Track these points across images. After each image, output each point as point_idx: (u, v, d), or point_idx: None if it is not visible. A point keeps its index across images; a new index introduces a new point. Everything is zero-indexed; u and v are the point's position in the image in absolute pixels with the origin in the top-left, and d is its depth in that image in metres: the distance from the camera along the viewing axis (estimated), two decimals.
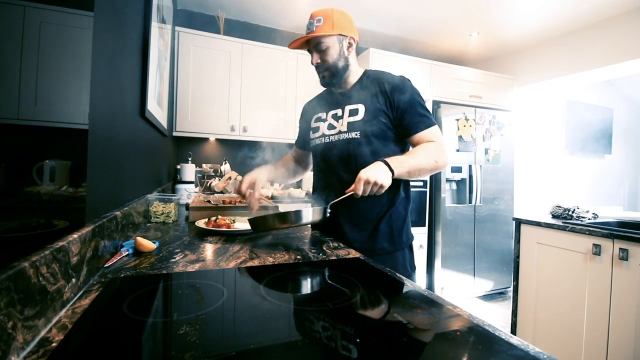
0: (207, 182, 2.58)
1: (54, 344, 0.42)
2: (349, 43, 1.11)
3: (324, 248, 1.00)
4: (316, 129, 1.20)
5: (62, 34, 0.57)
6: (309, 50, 1.13)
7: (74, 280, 0.55)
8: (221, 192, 2.41)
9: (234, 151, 3.01)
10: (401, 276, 0.75)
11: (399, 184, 1.13)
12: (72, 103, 0.62)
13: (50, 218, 0.54)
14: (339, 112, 1.15)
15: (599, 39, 2.83)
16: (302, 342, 0.46)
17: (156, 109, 1.56)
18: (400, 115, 1.08)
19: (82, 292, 0.59)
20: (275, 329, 0.50)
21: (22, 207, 0.47)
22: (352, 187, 0.95)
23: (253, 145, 3.05)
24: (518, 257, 2.00)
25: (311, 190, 1.33)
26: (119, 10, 0.93)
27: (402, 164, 0.99)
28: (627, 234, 1.47)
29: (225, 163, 2.79)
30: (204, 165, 2.70)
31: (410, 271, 1.15)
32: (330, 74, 1.12)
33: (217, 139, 2.94)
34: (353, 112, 1.11)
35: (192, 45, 2.55)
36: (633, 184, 4.55)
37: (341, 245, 1.04)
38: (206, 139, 2.92)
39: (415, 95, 1.09)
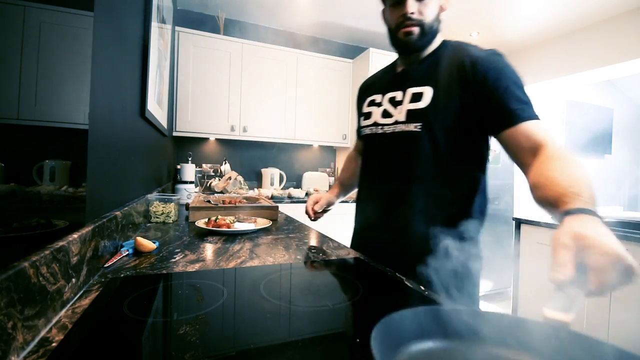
0: (207, 182, 2.58)
1: (54, 344, 0.42)
2: (442, 6, 0.86)
3: (324, 248, 1.00)
4: (368, 115, 0.94)
5: (62, 34, 0.57)
6: None
7: (74, 280, 0.55)
8: (221, 192, 2.41)
9: (234, 151, 3.01)
10: (401, 276, 0.75)
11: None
12: (72, 103, 0.62)
13: (50, 218, 0.54)
14: (398, 95, 0.88)
15: (599, 39, 2.83)
16: (302, 342, 0.46)
17: (156, 109, 1.56)
18: (486, 99, 0.76)
19: (82, 292, 0.59)
20: (275, 329, 0.50)
21: (22, 207, 0.47)
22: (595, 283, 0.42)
23: (253, 145, 3.05)
24: (518, 257, 2.00)
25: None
26: (119, 10, 0.93)
27: (592, 198, 0.55)
28: (627, 234, 1.46)
29: (225, 163, 2.79)
30: (204, 165, 2.70)
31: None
32: (421, 33, 0.83)
33: (217, 139, 2.94)
34: (416, 97, 0.83)
35: (192, 45, 2.55)
36: (633, 184, 4.55)
37: (341, 245, 1.04)
38: (206, 139, 2.92)
39: (511, 74, 0.77)
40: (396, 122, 0.86)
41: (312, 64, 2.92)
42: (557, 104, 3.89)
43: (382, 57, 2.84)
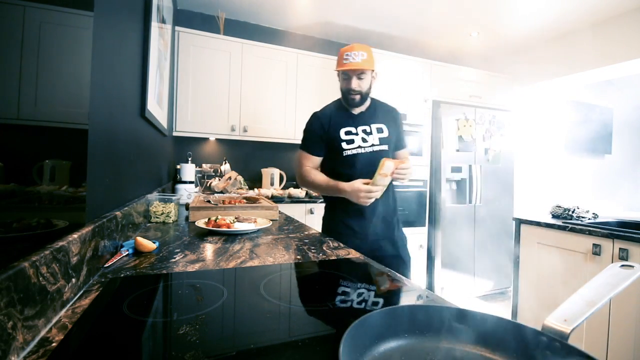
0: (207, 182, 2.58)
1: (54, 344, 0.42)
2: (373, 77, 1.40)
3: (324, 248, 1.00)
4: (350, 141, 1.38)
5: (62, 34, 0.57)
6: (344, 74, 1.36)
7: (74, 280, 0.55)
8: (221, 192, 2.41)
9: (234, 151, 3.01)
10: (401, 276, 0.75)
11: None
12: (72, 103, 0.62)
13: (50, 218, 0.54)
14: (367, 128, 1.40)
15: (599, 39, 2.83)
16: (302, 342, 0.46)
17: (156, 109, 1.56)
18: (397, 134, 1.45)
19: (82, 292, 0.59)
20: (275, 329, 0.50)
21: (22, 207, 0.47)
22: (408, 163, 1.28)
23: (253, 145, 3.05)
24: (518, 257, 2.00)
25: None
26: (119, 10, 0.93)
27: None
28: (627, 234, 1.47)
29: (225, 163, 2.79)
30: (204, 165, 2.70)
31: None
32: (361, 98, 1.37)
33: (217, 139, 2.94)
34: (380, 130, 1.40)
35: (192, 45, 2.55)
36: (633, 184, 4.55)
37: (341, 245, 1.04)
38: (206, 139, 2.92)
39: (402, 123, 1.52)
40: (372, 145, 1.38)
41: (312, 64, 2.92)
42: (557, 104, 3.89)
43: (382, 57, 2.84)
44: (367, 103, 1.44)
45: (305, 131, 1.45)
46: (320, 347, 0.45)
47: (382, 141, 1.38)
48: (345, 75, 1.36)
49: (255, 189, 2.74)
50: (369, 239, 1.35)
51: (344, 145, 1.37)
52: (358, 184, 1.27)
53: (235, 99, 2.68)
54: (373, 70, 1.38)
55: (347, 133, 1.38)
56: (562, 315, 0.41)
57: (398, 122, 1.46)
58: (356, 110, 1.42)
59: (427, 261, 3.03)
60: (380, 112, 1.44)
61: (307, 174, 1.43)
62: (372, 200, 1.28)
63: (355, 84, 1.34)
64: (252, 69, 2.73)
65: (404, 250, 1.44)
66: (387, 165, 1.20)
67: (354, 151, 1.37)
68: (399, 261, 1.39)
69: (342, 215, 1.38)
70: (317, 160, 1.45)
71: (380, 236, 1.38)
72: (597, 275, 0.47)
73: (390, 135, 1.40)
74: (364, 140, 1.38)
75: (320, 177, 1.41)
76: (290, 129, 2.88)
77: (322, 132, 1.41)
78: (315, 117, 1.45)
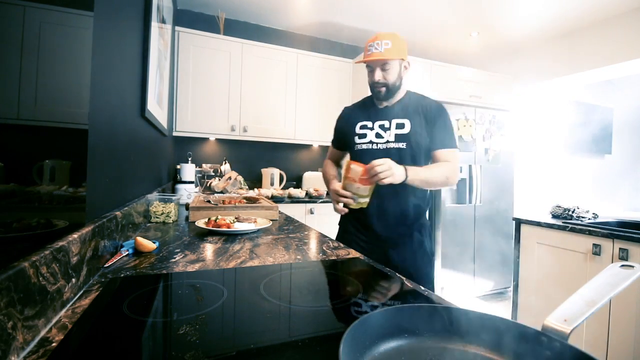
0: (207, 182, 2.58)
1: (54, 344, 0.42)
2: (405, 66, 1.26)
3: (324, 248, 1.00)
4: (363, 136, 1.30)
5: (62, 34, 0.57)
6: (368, 66, 1.25)
7: (73, 280, 0.55)
8: (221, 192, 2.41)
9: (234, 151, 3.01)
10: (400, 276, 0.75)
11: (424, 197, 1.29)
12: (72, 103, 0.62)
13: (50, 218, 0.54)
14: (386, 123, 1.27)
15: (599, 39, 2.83)
16: (302, 342, 0.46)
17: (156, 109, 1.56)
18: (430, 132, 1.24)
19: (82, 292, 0.59)
20: (275, 329, 0.50)
21: (22, 207, 0.47)
22: (373, 163, 1.03)
23: (253, 145, 3.05)
24: (518, 257, 2.00)
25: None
26: (119, 10, 0.93)
27: (418, 173, 1.13)
28: (627, 234, 1.47)
29: (225, 163, 2.79)
30: (204, 165, 2.70)
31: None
32: (387, 90, 1.25)
33: (217, 139, 2.94)
34: (400, 126, 1.25)
35: (192, 45, 2.55)
36: (633, 184, 4.54)
37: (341, 245, 1.04)
38: (206, 139, 2.92)
39: (447, 120, 1.26)
40: (387, 142, 1.25)
41: (312, 64, 2.92)
42: (557, 104, 3.89)
43: None
44: (399, 96, 1.30)
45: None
46: (320, 347, 0.45)
47: (398, 138, 1.23)
48: (369, 68, 1.25)
49: (255, 189, 2.74)
50: (376, 246, 1.24)
51: (356, 139, 1.30)
52: (337, 185, 1.16)
53: (235, 99, 2.69)
54: (403, 60, 1.24)
55: (362, 127, 1.30)
56: (562, 315, 0.41)
57: (434, 118, 1.24)
58: (382, 104, 1.30)
59: None
60: (410, 106, 1.26)
61: (323, 167, 1.48)
62: (345, 207, 1.13)
63: (378, 75, 1.22)
64: (252, 69, 2.73)
65: (421, 272, 1.24)
66: (352, 169, 1.04)
67: (364, 146, 1.28)
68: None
69: (350, 217, 1.28)
70: (337, 153, 1.49)
71: (390, 245, 1.24)
72: (597, 275, 0.47)
73: (413, 132, 1.22)
74: (378, 135, 1.26)
75: (327, 171, 1.42)
76: (290, 129, 2.88)
77: (342, 126, 1.41)
78: (342, 110, 1.46)
